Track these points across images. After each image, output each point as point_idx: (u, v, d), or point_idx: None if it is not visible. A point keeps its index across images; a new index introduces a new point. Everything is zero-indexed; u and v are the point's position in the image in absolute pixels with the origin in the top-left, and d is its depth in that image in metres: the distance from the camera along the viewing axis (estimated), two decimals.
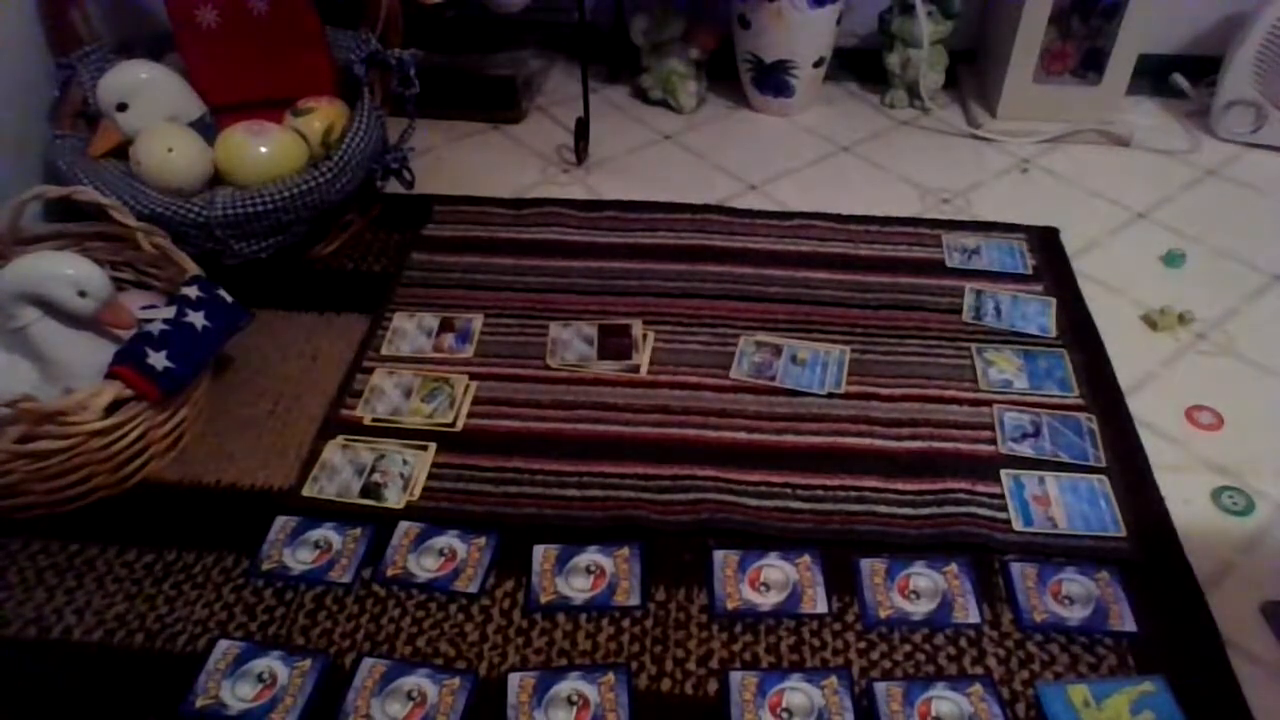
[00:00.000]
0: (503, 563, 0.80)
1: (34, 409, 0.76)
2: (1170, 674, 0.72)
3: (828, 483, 0.87)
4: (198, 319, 0.88)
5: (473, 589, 0.78)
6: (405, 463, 0.88)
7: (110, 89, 1.05)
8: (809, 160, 1.37)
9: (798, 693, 0.71)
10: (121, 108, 1.05)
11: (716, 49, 1.47)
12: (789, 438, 0.91)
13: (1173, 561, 0.81)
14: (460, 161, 1.36)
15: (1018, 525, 0.83)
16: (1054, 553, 0.81)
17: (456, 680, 0.72)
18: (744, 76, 1.47)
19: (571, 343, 1.02)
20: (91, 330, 0.87)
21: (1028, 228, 1.20)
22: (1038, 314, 1.06)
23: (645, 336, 1.03)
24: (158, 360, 0.84)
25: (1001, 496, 0.85)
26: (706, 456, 0.89)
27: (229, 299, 0.92)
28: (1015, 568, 0.80)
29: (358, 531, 0.83)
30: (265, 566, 0.80)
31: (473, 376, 0.98)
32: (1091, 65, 1.37)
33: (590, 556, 0.81)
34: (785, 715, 0.69)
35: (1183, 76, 1.46)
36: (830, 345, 1.02)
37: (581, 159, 1.35)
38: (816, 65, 1.43)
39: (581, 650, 0.74)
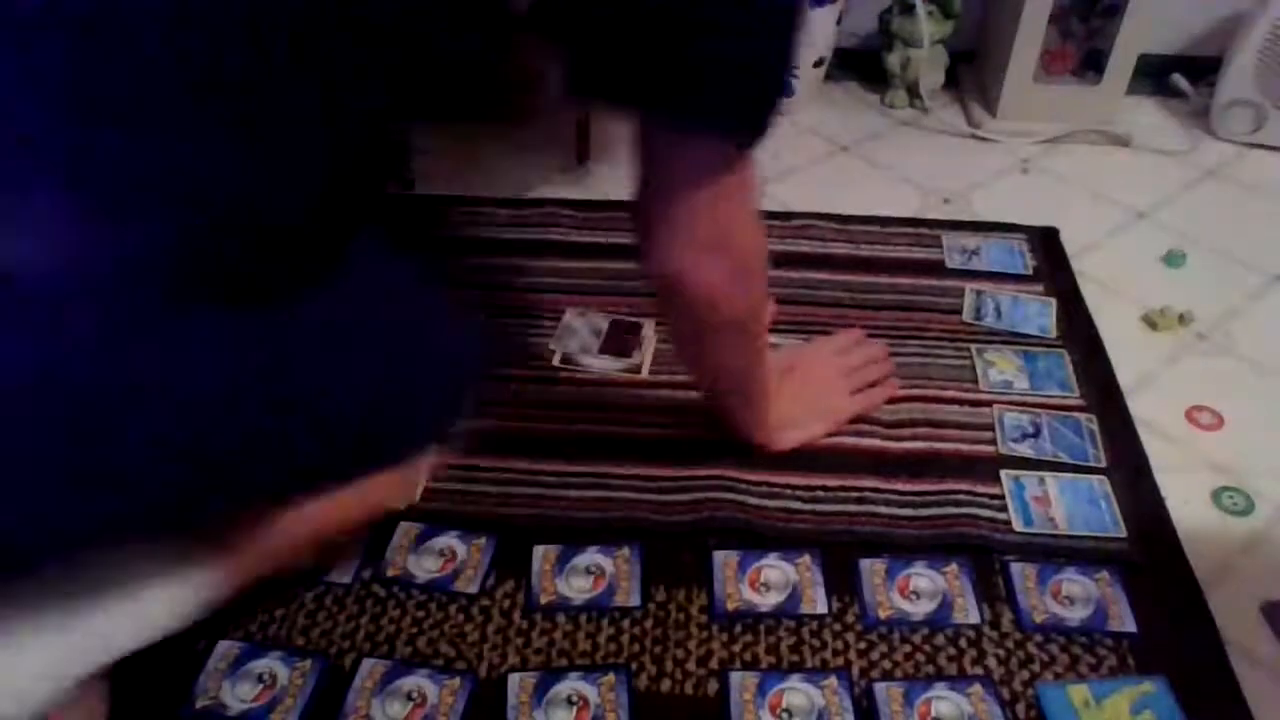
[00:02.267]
0: (502, 563, 0.81)
1: None
2: (1170, 674, 0.72)
3: (828, 483, 0.87)
4: None
5: (473, 589, 0.78)
6: None
7: None
8: (809, 160, 1.37)
9: (798, 693, 0.71)
10: None
11: None
12: None
13: (1173, 561, 0.81)
14: (460, 161, 1.36)
15: (1018, 526, 0.83)
16: (1054, 553, 0.81)
17: (456, 680, 0.72)
18: None
19: (579, 332, 1.02)
20: None
21: (1028, 228, 1.20)
22: (1038, 314, 1.06)
23: (648, 337, 1.03)
24: None
25: (1002, 497, 0.86)
26: (707, 457, 0.89)
27: None
28: (1015, 568, 0.80)
29: None
30: None
31: None
32: (1091, 65, 1.37)
33: (590, 557, 0.81)
34: (785, 715, 0.69)
35: (1183, 76, 1.46)
36: None
37: (581, 159, 1.35)
38: (816, 65, 1.43)
39: (581, 651, 0.74)
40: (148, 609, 0.61)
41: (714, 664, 0.73)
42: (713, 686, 0.72)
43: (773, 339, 1.01)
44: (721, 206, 0.66)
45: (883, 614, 0.77)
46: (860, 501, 0.85)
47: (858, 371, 0.96)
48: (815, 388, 0.93)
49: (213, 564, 0.64)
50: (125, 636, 0.60)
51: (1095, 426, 0.92)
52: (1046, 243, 1.18)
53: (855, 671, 0.73)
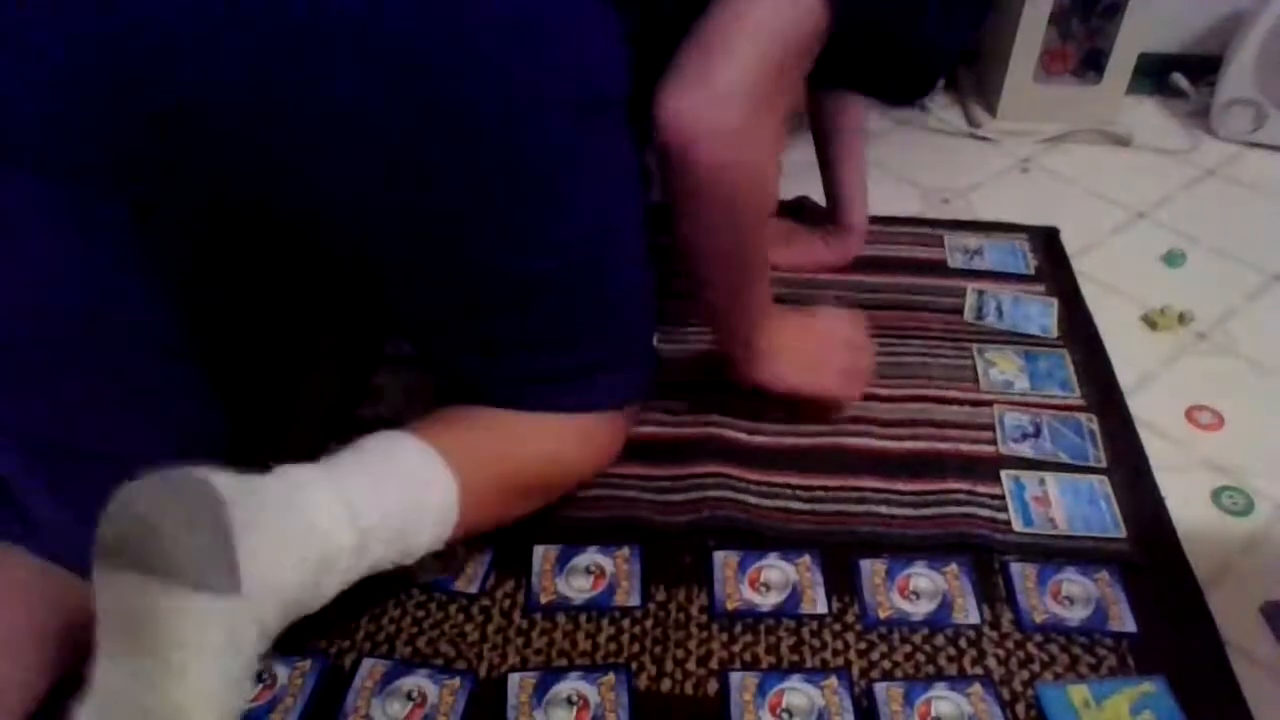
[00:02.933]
0: (502, 563, 0.81)
1: None
2: (1170, 674, 0.72)
3: (828, 483, 0.87)
4: None
5: (473, 589, 0.78)
6: None
7: None
8: (809, 161, 1.37)
9: (798, 693, 0.71)
10: None
11: None
12: (789, 438, 0.91)
13: (1173, 561, 0.81)
14: None
15: (1018, 526, 0.83)
16: (1054, 553, 0.81)
17: (456, 680, 0.72)
18: None
19: None
20: None
21: (1029, 228, 1.21)
22: (1039, 314, 1.06)
23: None
24: None
25: (1002, 497, 0.85)
26: (706, 456, 0.89)
27: None
28: (1015, 568, 0.80)
29: None
30: None
31: None
32: (1091, 65, 1.37)
33: (590, 557, 0.81)
34: (785, 715, 0.69)
35: (1183, 76, 1.46)
36: None
37: None
38: None
39: (581, 650, 0.74)
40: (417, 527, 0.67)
41: (714, 664, 0.73)
42: (713, 686, 0.72)
43: None
44: (755, 65, 0.69)
45: (883, 614, 0.77)
46: (860, 501, 0.85)
47: (861, 351, 0.94)
48: (819, 338, 0.93)
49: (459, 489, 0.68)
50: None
51: (1095, 426, 0.92)
52: (1048, 243, 1.18)
53: (855, 671, 0.73)
